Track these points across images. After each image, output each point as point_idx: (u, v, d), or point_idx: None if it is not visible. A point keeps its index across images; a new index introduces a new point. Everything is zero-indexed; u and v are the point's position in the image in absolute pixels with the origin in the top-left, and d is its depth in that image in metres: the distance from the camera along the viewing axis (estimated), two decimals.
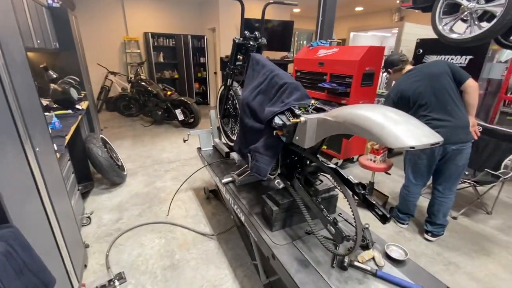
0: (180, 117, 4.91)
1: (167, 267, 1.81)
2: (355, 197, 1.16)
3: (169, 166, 3.38)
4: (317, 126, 1.12)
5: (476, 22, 2.00)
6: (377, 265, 1.20)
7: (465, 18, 2.05)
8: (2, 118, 0.99)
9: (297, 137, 1.22)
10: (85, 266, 1.78)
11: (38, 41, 2.17)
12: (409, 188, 2.18)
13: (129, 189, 2.80)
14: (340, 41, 4.96)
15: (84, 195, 2.62)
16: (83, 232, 2.10)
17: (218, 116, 2.35)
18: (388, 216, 1.16)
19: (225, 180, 1.93)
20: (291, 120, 1.20)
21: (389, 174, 3.23)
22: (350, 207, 1.10)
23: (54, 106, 2.47)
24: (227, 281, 1.71)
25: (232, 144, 2.26)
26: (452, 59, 3.35)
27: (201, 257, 1.91)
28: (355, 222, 1.07)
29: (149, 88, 4.95)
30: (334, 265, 1.19)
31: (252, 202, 1.69)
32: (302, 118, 1.13)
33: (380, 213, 1.15)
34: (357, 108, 0.95)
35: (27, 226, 0.95)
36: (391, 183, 3.05)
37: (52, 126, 1.95)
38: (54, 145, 1.51)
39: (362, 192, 1.19)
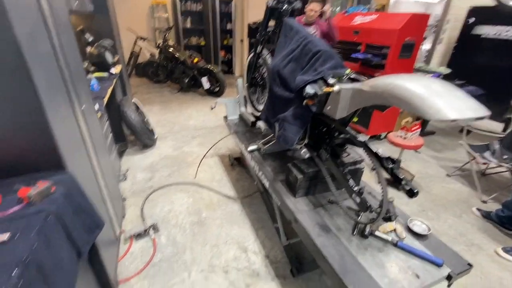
0: (206, 85, 4.93)
1: (195, 223, 1.98)
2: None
3: (195, 133, 3.50)
4: (351, 96, 1.10)
5: None
6: (398, 237, 1.22)
7: None
8: (54, 77, 1.08)
9: (328, 107, 1.21)
10: (123, 216, 2.00)
11: (76, 3, 2.22)
12: None
13: (159, 152, 2.98)
14: (380, 7, 4.53)
15: (120, 155, 2.83)
16: (120, 187, 2.31)
17: (246, 85, 2.34)
18: (415, 191, 1.15)
19: (251, 148, 1.98)
20: (324, 89, 1.17)
21: (419, 152, 3.12)
22: (378, 179, 1.10)
23: (92, 69, 2.59)
24: (249, 240, 1.84)
25: (258, 114, 2.28)
26: (507, 30, 2.97)
27: (225, 217, 2.05)
28: (382, 192, 1.08)
29: (177, 55, 4.96)
30: (355, 233, 1.23)
31: (276, 170, 1.74)
32: (336, 87, 1.11)
33: (407, 187, 1.15)
34: (397, 78, 0.91)
35: (78, 175, 1.07)
36: (419, 162, 2.94)
37: (91, 88, 2.07)
38: (97, 104, 1.62)
39: (390, 166, 1.18)
